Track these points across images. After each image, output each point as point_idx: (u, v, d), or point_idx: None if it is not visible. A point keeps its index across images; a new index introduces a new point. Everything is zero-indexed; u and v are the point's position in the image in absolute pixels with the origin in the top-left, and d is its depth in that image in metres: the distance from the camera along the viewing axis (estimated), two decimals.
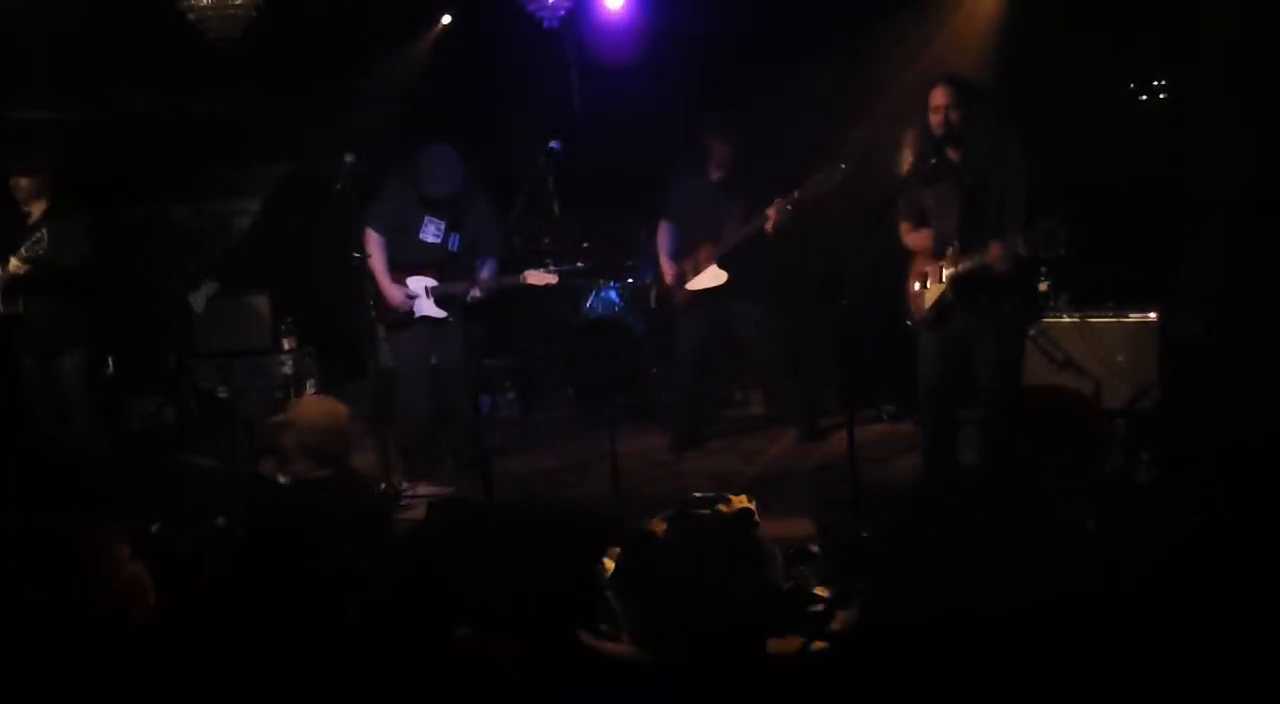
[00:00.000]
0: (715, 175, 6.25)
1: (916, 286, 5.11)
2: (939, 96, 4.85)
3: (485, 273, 6.04)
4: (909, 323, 5.20)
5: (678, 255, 6.41)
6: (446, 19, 8.21)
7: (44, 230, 5.65)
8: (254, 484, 5.28)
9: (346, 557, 2.74)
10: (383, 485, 5.68)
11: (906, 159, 5.03)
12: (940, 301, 4.96)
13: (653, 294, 6.79)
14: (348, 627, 2.41)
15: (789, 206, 5.81)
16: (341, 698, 2.34)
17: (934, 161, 4.92)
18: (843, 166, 5.65)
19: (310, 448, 3.84)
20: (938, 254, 4.99)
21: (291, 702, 2.36)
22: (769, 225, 5.89)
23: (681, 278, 6.35)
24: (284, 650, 2.40)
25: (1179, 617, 2.38)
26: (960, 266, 4.83)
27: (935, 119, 4.87)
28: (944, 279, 4.92)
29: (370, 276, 6.02)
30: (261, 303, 7.97)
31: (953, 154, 4.96)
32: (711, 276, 6.22)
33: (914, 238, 5.14)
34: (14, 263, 5.70)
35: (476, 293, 5.94)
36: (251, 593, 2.56)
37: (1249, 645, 2.32)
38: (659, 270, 6.54)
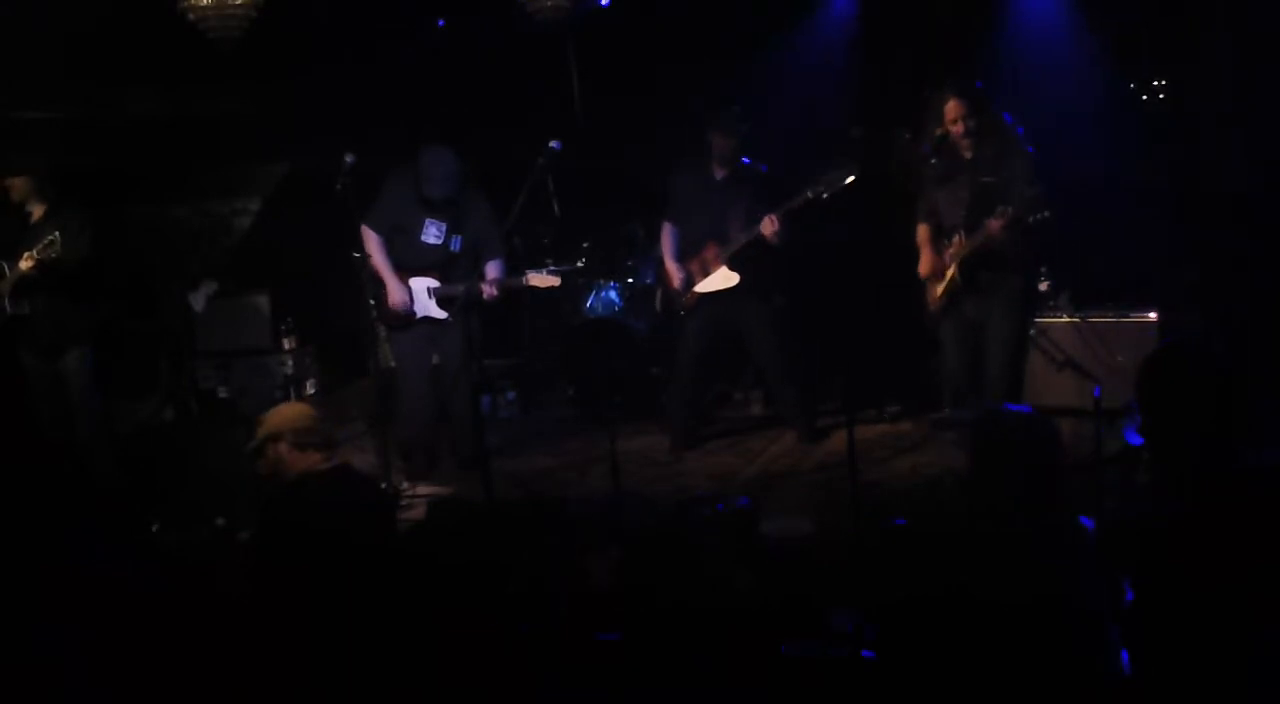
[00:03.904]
0: (719, 172, 6.20)
1: (929, 283, 5.48)
2: (954, 109, 5.18)
3: (496, 272, 6.03)
4: (927, 323, 5.57)
5: (682, 256, 6.34)
6: (446, 19, 8.21)
7: (56, 233, 5.65)
8: (255, 484, 5.28)
9: (355, 552, 2.74)
10: (383, 485, 5.69)
11: (923, 159, 5.27)
12: (950, 287, 5.32)
13: (658, 297, 6.71)
14: (352, 625, 2.42)
15: (783, 217, 5.82)
16: (342, 697, 2.35)
17: (948, 162, 5.25)
18: (855, 165, 5.64)
19: (306, 444, 3.82)
20: (943, 247, 5.35)
21: (293, 700, 2.37)
22: (766, 235, 5.88)
23: (689, 280, 6.25)
24: (287, 649, 2.40)
25: (1178, 616, 2.38)
26: (967, 249, 5.19)
27: (956, 129, 5.18)
28: (952, 266, 5.28)
29: (371, 276, 6.03)
30: (261, 303, 7.97)
31: (966, 153, 5.26)
32: (723, 278, 6.13)
33: (925, 250, 5.51)
34: (25, 263, 5.70)
35: (494, 292, 5.92)
36: (256, 593, 2.57)
37: (1247, 644, 2.32)
38: (662, 273, 6.45)
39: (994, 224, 5.06)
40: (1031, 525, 2.65)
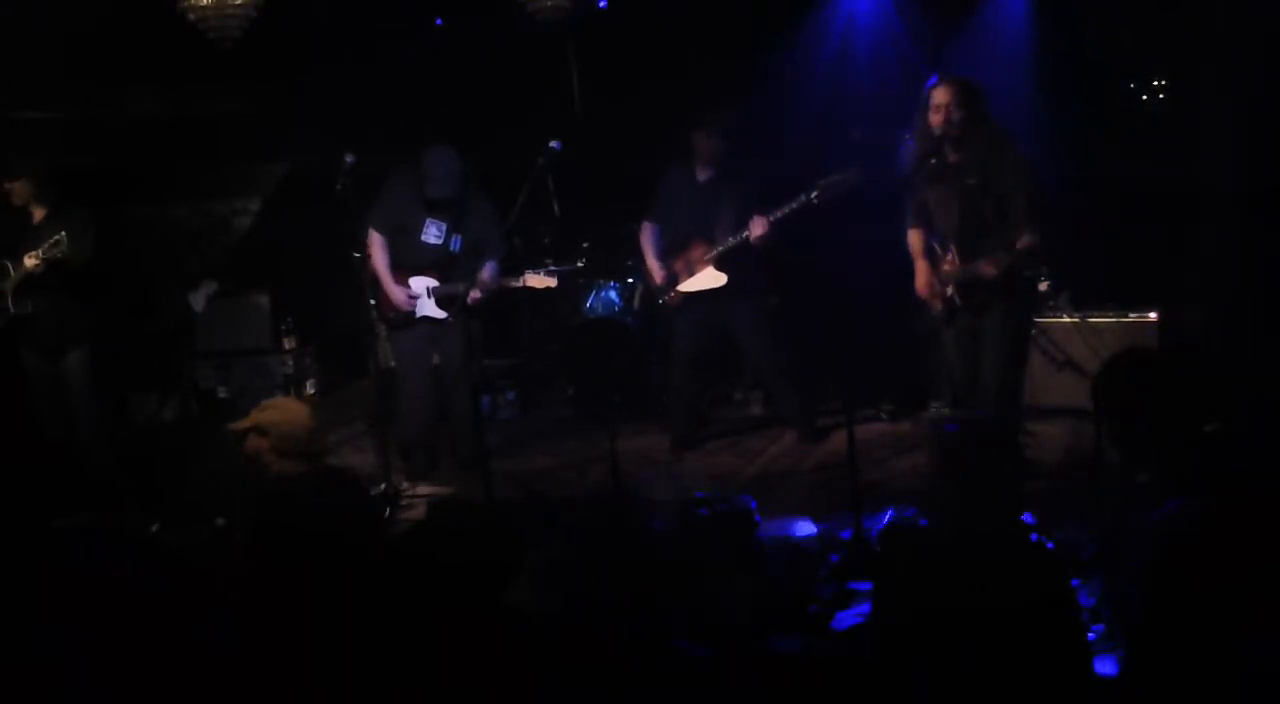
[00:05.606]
0: (702, 173, 6.21)
1: (926, 290, 5.29)
2: (940, 95, 4.88)
3: (486, 274, 6.02)
4: (926, 320, 5.44)
5: (665, 255, 6.33)
6: (446, 19, 8.22)
7: (62, 233, 5.65)
8: (255, 484, 5.27)
9: (345, 556, 2.74)
10: (383, 485, 5.69)
11: (911, 158, 5.11)
12: (949, 305, 5.17)
13: (638, 295, 6.74)
14: (350, 625, 2.42)
15: (776, 221, 5.81)
16: (341, 697, 2.35)
17: (934, 162, 4.96)
18: (856, 172, 5.62)
19: (286, 451, 3.80)
20: (938, 258, 5.16)
21: (292, 701, 2.37)
22: (754, 239, 5.89)
23: (673, 279, 6.27)
24: (286, 650, 2.40)
25: (1178, 617, 2.38)
26: (961, 277, 5.05)
27: (935, 118, 4.90)
28: (950, 287, 5.12)
29: (372, 277, 6.02)
30: (261, 303, 7.97)
31: (953, 156, 4.99)
32: (709, 277, 6.14)
33: (919, 264, 5.32)
34: (31, 263, 5.70)
35: (476, 294, 5.91)
36: (252, 593, 2.57)
37: (1247, 642, 2.32)
38: (645, 271, 6.47)
39: (987, 269, 4.88)
40: (982, 531, 2.67)
